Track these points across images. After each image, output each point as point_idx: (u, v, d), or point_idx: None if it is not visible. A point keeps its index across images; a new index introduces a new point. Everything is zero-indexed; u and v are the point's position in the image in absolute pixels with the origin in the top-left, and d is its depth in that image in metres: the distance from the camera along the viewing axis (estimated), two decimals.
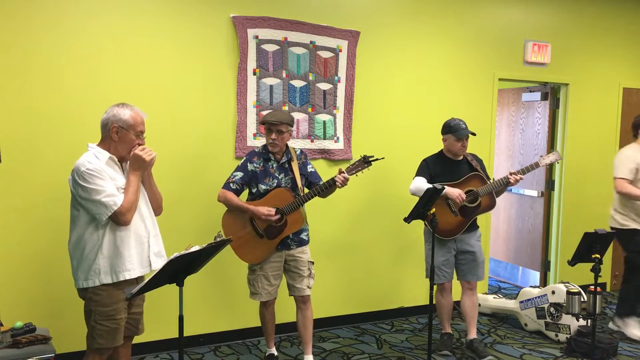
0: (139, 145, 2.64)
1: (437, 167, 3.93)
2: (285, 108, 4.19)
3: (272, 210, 3.37)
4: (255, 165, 3.49)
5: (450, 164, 3.95)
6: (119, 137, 2.60)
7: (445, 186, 3.73)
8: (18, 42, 3.43)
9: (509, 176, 3.85)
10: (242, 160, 3.54)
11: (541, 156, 4.22)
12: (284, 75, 4.18)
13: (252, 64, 4.05)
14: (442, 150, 4.02)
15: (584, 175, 5.57)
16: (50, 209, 3.54)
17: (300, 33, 4.19)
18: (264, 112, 4.11)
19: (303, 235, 3.59)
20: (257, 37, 4.05)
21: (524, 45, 5.19)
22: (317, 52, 4.27)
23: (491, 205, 3.92)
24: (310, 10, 4.25)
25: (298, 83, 4.23)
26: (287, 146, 3.54)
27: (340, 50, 4.36)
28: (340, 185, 3.40)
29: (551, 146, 5.59)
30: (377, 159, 3.49)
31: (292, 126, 3.52)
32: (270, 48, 4.11)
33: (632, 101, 5.86)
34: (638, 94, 5.90)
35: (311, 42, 4.24)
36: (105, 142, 2.63)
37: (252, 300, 4.18)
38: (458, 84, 4.92)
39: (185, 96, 3.91)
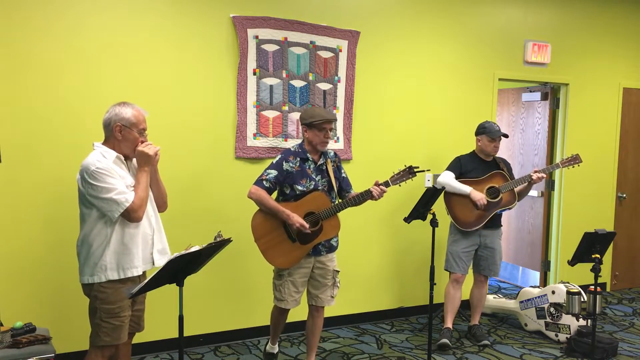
0: (142, 142, 2.67)
1: (468, 165, 4.20)
2: (286, 108, 4.18)
3: (307, 225, 3.23)
4: (291, 164, 3.33)
5: (481, 164, 4.22)
6: (123, 136, 2.63)
7: (464, 186, 4.07)
8: (17, 42, 3.43)
9: (532, 174, 4.08)
10: (277, 159, 3.37)
11: (562, 158, 4.49)
12: (284, 75, 4.18)
13: (252, 64, 4.05)
14: (474, 150, 4.28)
15: (584, 175, 5.57)
16: (50, 209, 3.54)
17: (300, 33, 4.19)
18: (264, 112, 4.12)
19: (333, 242, 3.46)
20: (257, 37, 4.05)
21: (524, 45, 5.19)
22: (317, 52, 4.27)
23: (511, 201, 4.14)
24: (310, 10, 4.25)
25: (298, 83, 4.23)
26: None
27: (340, 50, 4.36)
28: (376, 198, 3.30)
29: (551, 146, 5.59)
30: (421, 170, 3.43)
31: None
32: (270, 48, 4.11)
33: (632, 101, 5.86)
34: (638, 94, 5.90)
35: (311, 42, 4.24)
36: (110, 141, 2.66)
37: (253, 299, 4.18)
38: (458, 84, 4.92)
39: (185, 96, 3.91)
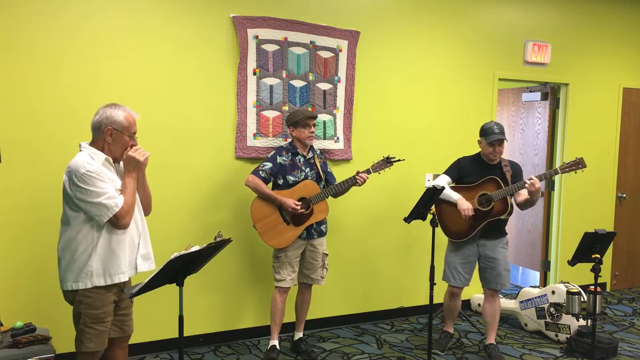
0: (132, 146, 2.58)
1: (468, 168, 3.93)
2: (286, 108, 4.18)
3: (299, 205, 3.65)
4: (284, 159, 3.76)
5: (483, 167, 3.90)
6: (113, 139, 2.55)
7: (444, 187, 3.71)
8: (17, 42, 3.43)
9: (526, 180, 3.69)
10: (272, 154, 3.79)
11: (563, 162, 3.94)
12: (284, 75, 4.18)
13: (252, 64, 4.05)
14: (479, 152, 3.96)
15: (584, 175, 5.54)
16: (50, 209, 3.53)
17: (300, 33, 4.19)
18: (264, 112, 4.12)
19: (322, 227, 3.89)
20: (257, 37, 4.05)
21: (524, 45, 5.19)
22: (317, 52, 4.27)
23: (504, 211, 3.79)
24: (310, 10, 4.25)
25: (298, 83, 4.23)
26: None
27: (340, 50, 4.36)
28: (360, 184, 3.77)
29: (551, 146, 5.59)
30: (398, 160, 3.88)
31: None
32: (270, 48, 4.11)
33: (632, 101, 5.86)
34: (638, 94, 5.90)
35: (311, 42, 4.24)
36: (98, 143, 2.57)
37: (253, 299, 4.19)
38: (458, 84, 4.92)
39: (185, 96, 3.91)
